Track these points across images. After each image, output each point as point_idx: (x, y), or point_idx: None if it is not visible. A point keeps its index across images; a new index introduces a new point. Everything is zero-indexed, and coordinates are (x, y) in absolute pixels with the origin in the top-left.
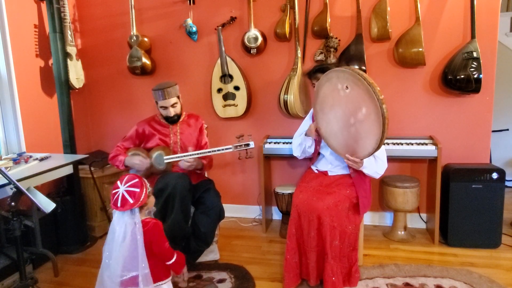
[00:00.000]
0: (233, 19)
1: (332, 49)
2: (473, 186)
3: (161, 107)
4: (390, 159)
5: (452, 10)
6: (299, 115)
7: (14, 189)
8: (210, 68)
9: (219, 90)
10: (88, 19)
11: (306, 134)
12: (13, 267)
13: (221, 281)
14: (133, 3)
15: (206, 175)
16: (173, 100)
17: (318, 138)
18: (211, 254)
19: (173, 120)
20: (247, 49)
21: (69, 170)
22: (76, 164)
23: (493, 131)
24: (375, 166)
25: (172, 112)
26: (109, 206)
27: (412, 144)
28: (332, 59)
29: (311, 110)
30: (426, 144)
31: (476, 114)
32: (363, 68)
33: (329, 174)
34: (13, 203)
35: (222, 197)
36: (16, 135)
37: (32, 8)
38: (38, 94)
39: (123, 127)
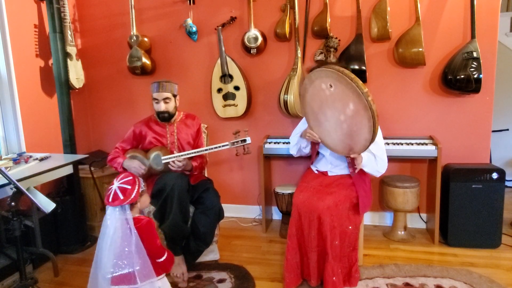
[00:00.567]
0: (233, 19)
1: (332, 49)
2: (473, 186)
3: (154, 99)
4: (390, 159)
5: (452, 10)
6: (299, 115)
7: (14, 189)
8: (210, 68)
9: (219, 90)
10: (88, 19)
11: (301, 136)
12: (13, 267)
13: (221, 281)
14: (133, 3)
15: (205, 175)
16: (167, 94)
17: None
18: (211, 254)
19: (164, 118)
20: (247, 49)
21: (69, 170)
22: (76, 164)
23: (493, 131)
24: (375, 165)
25: (163, 106)
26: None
27: (412, 144)
28: (332, 59)
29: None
30: (426, 144)
31: (476, 114)
32: (363, 68)
33: (329, 174)
34: (13, 203)
35: (222, 197)
36: (16, 135)
37: (32, 8)
38: (38, 94)
39: (123, 127)
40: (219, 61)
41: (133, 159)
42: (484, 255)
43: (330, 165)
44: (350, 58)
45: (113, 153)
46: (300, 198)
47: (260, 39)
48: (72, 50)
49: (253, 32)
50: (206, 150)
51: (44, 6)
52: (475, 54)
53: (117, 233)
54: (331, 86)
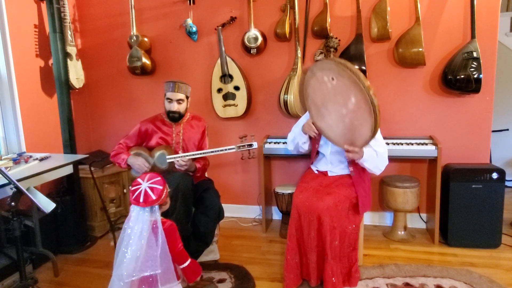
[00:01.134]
0: (233, 19)
1: (332, 49)
2: (473, 186)
3: (168, 99)
4: (390, 159)
5: (452, 10)
6: (299, 115)
7: (14, 189)
8: (210, 68)
9: (219, 90)
10: (88, 19)
11: (302, 131)
12: (13, 267)
13: (221, 281)
14: (133, 3)
15: (206, 175)
16: (181, 96)
17: (318, 136)
18: (211, 254)
19: (174, 118)
20: (247, 49)
21: (69, 170)
22: (76, 164)
23: (493, 131)
24: (377, 161)
25: (175, 107)
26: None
27: (412, 144)
28: None
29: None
30: (426, 144)
31: (476, 114)
32: (363, 68)
33: (329, 174)
34: (13, 203)
35: (222, 197)
36: (16, 135)
37: (32, 8)
38: (38, 94)
39: (123, 127)
40: (219, 61)
41: (137, 156)
42: (484, 255)
43: (330, 164)
44: (350, 58)
45: (116, 149)
46: (299, 198)
47: (260, 39)
48: (72, 50)
49: (253, 32)
50: (212, 152)
51: (44, 6)
52: (475, 54)
53: (144, 235)
54: (333, 79)
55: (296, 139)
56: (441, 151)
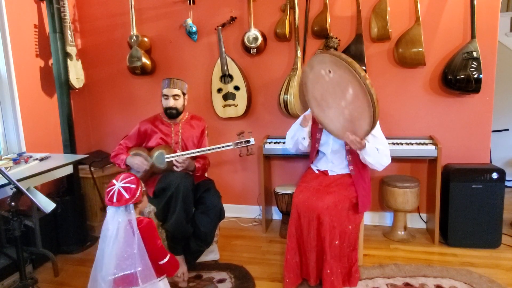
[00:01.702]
0: (233, 19)
1: (332, 49)
2: (473, 186)
3: (164, 95)
4: (391, 158)
5: (452, 10)
6: (299, 115)
7: (14, 189)
8: (210, 68)
9: (219, 90)
10: (88, 19)
11: (300, 124)
12: (13, 267)
13: (221, 281)
14: (133, 3)
15: (206, 175)
16: (176, 91)
17: (318, 133)
18: (211, 254)
19: (171, 114)
20: (247, 49)
21: (69, 170)
22: (76, 164)
23: (493, 131)
24: (378, 156)
25: (171, 102)
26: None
27: (412, 144)
28: None
29: (309, 110)
30: (426, 144)
31: (476, 114)
32: (363, 68)
33: (330, 173)
34: (13, 203)
35: (222, 197)
36: (16, 135)
37: (32, 8)
38: (38, 94)
39: (123, 127)
40: (219, 61)
41: (136, 156)
42: (484, 255)
43: (331, 164)
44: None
45: (116, 150)
46: (299, 198)
47: (260, 39)
48: (72, 50)
49: (253, 32)
50: (209, 150)
51: (44, 6)
52: (475, 54)
53: (120, 234)
54: (330, 71)
55: (295, 135)
56: (441, 151)
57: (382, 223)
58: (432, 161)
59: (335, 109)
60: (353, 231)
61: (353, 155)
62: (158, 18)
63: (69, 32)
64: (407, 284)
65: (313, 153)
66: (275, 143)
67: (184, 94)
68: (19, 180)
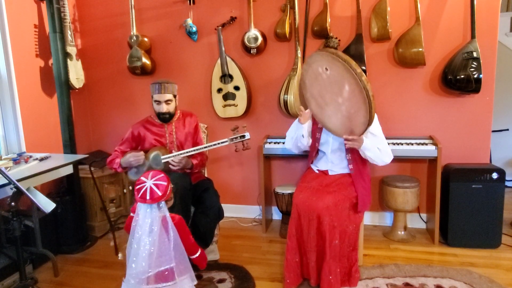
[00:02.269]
0: (233, 19)
1: (332, 49)
2: (473, 186)
3: (156, 101)
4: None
5: (452, 10)
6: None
7: (14, 189)
8: (210, 68)
9: (219, 90)
10: (88, 19)
11: (299, 122)
12: (13, 267)
13: (221, 281)
14: (133, 3)
15: (205, 175)
16: (169, 96)
17: (318, 133)
18: (211, 254)
19: (164, 118)
20: (247, 49)
21: (69, 170)
22: (76, 164)
23: (493, 131)
24: (379, 153)
25: (164, 108)
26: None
27: (412, 144)
28: None
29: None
30: (426, 144)
31: (476, 114)
32: (363, 68)
33: (330, 173)
34: (13, 203)
35: (222, 197)
36: (16, 135)
37: (32, 8)
38: (38, 94)
39: (123, 127)
40: (219, 61)
41: (127, 153)
42: (484, 255)
43: (331, 163)
44: (350, 58)
45: (112, 156)
46: (299, 198)
47: (260, 39)
48: (72, 50)
49: (253, 32)
50: (205, 147)
51: (44, 6)
52: (475, 54)
53: (155, 230)
54: (327, 69)
55: (295, 134)
56: (441, 151)
57: (382, 223)
58: (432, 161)
59: (333, 106)
60: (353, 231)
61: (353, 154)
62: (158, 18)
63: (69, 32)
64: (407, 284)
65: (312, 152)
66: (275, 143)
67: (175, 96)
68: (19, 180)
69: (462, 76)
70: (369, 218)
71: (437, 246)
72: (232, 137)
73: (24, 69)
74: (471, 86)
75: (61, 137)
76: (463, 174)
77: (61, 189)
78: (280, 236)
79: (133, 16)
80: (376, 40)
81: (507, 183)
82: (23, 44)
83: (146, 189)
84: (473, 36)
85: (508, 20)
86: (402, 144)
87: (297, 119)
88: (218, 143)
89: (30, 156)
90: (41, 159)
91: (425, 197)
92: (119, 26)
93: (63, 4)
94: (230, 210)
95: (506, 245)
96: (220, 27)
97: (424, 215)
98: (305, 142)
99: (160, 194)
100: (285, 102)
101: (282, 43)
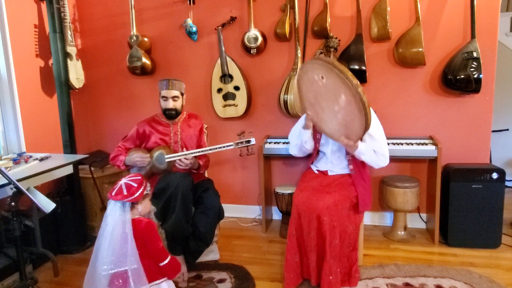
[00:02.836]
0: (233, 19)
1: (332, 49)
2: (473, 186)
3: (163, 97)
4: (390, 159)
5: (452, 10)
6: (299, 115)
7: (14, 189)
8: (210, 68)
9: (219, 90)
10: (88, 19)
11: (303, 128)
12: (13, 267)
13: (221, 281)
14: (133, 3)
15: (206, 175)
16: (175, 92)
17: (318, 134)
18: (211, 254)
19: (171, 115)
20: (247, 49)
21: (69, 170)
22: (76, 164)
23: (493, 131)
24: (375, 157)
25: (171, 104)
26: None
27: (412, 144)
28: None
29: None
30: (426, 144)
31: (476, 114)
32: (363, 68)
33: (329, 173)
34: (13, 203)
35: (222, 197)
36: (16, 135)
37: (32, 8)
38: (38, 94)
39: (123, 127)
40: (219, 61)
41: (133, 153)
42: (484, 255)
43: (331, 164)
44: (350, 58)
45: (115, 152)
46: (299, 198)
47: (260, 39)
48: (72, 50)
49: (253, 32)
50: (210, 149)
51: (44, 6)
52: (475, 54)
53: (117, 230)
54: (322, 77)
55: (298, 138)
56: (441, 151)
57: (382, 223)
58: (432, 161)
59: (329, 112)
60: (353, 231)
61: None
62: (158, 18)
63: (69, 32)
64: (407, 284)
65: (314, 153)
66: (275, 143)
67: (182, 94)
68: (19, 180)
69: (462, 76)
70: (369, 218)
71: (437, 246)
72: (237, 141)
73: (24, 69)
74: (471, 86)
75: (61, 137)
76: (463, 174)
77: (61, 189)
78: (280, 236)
79: (133, 16)
80: (376, 40)
81: (507, 183)
82: (23, 44)
83: (117, 185)
84: (473, 36)
85: (508, 20)
86: (402, 144)
87: (299, 124)
88: (224, 146)
89: (30, 156)
90: (41, 159)
91: (425, 197)
92: (119, 26)
93: (63, 4)
94: (230, 210)
95: (506, 245)
96: (220, 27)
97: (424, 215)
98: (309, 146)
99: (125, 193)
100: (285, 102)
101: (282, 43)
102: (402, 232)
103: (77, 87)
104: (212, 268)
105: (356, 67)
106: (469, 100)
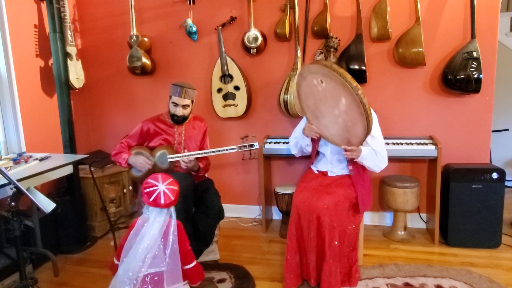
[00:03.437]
0: (233, 19)
1: (332, 49)
2: (473, 186)
3: (173, 103)
4: (390, 159)
5: (452, 10)
6: (299, 115)
7: (14, 189)
8: (210, 68)
9: (219, 90)
10: (88, 19)
11: (304, 134)
12: (13, 267)
13: (221, 281)
14: (133, 3)
15: (206, 175)
16: (187, 102)
17: (318, 137)
18: (211, 254)
19: (178, 120)
20: (247, 49)
21: (69, 170)
22: (76, 164)
23: (493, 131)
24: (376, 160)
25: (180, 112)
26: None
27: (412, 144)
28: (332, 59)
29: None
30: (426, 144)
31: (476, 114)
32: (363, 68)
33: (329, 174)
34: (13, 203)
35: (222, 197)
36: (16, 135)
37: (32, 8)
38: (38, 94)
39: (123, 127)
40: (219, 61)
41: (138, 155)
42: (484, 255)
43: (330, 164)
44: (350, 58)
45: (118, 148)
46: (299, 198)
47: (260, 39)
48: (72, 50)
49: (253, 32)
50: (213, 152)
51: (44, 6)
52: (475, 54)
53: (160, 235)
54: (322, 81)
55: (298, 143)
56: (441, 151)
57: (382, 223)
58: (432, 161)
59: (329, 117)
60: (353, 231)
61: None
62: (158, 18)
63: (69, 32)
64: (407, 284)
65: (313, 153)
66: (275, 143)
67: (192, 101)
68: (19, 180)
69: (462, 76)
70: (369, 218)
71: (437, 246)
72: (240, 145)
73: (24, 69)
74: (471, 86)
75: (61, 137)
76: (463, 174)
77: (61, 189)
78: (280, 236)
79: (133, 16)
80: (376, 40)
81: (507, 183)
82: (23, 44)
83: (160, 193)
84: (473, 36)
85: (508, 20)
86: (402, 144)
87: (300, 127)
88: (227, 149)
89: (30, 156)
90: (41, 159)
91: (425, 197)
92: (119, 26)
93: (63, 4)
94: (230, 210)
95: (506, 245)
96: (220, 27)
97: (424, 215)
98: (310, 149)
99: (172, 198)
100: (285, 102)
101: (282, 43)
102: (402, 232)
103: (77, 87)
104: (212, 268)
105: (356, 67)
106: (469, 100)
